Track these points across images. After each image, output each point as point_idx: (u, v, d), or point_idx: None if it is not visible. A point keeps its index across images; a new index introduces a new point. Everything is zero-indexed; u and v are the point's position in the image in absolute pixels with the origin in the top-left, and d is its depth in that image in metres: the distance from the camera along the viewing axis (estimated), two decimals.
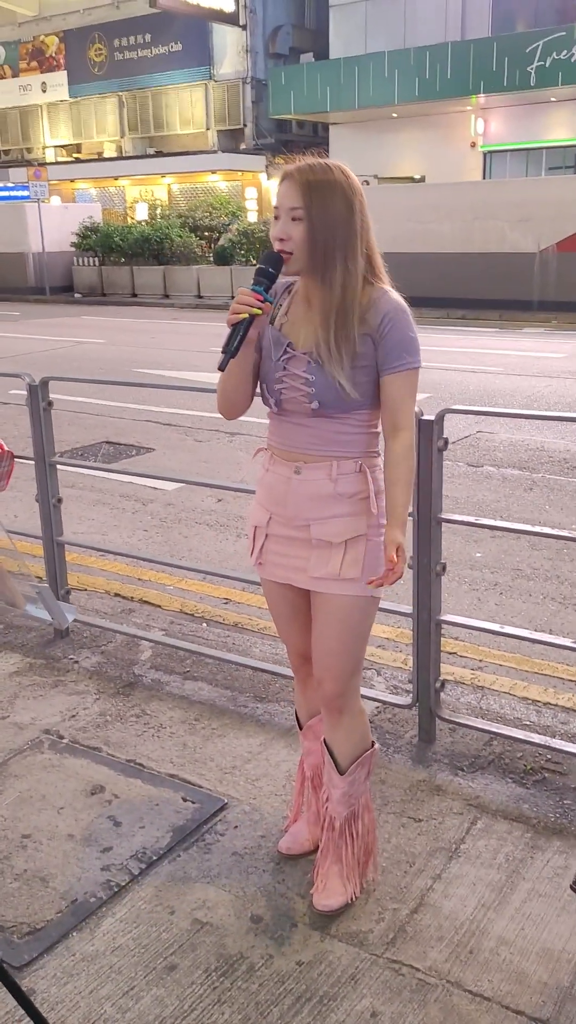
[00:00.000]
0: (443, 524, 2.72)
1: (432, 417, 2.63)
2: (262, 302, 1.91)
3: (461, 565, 4.54)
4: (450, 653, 3.49)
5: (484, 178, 21.47)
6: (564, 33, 18.19)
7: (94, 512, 5.58)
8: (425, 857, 2.37)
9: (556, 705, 3.20)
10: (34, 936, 2.12)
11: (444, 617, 2.79)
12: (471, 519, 2.81)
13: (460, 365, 10.85)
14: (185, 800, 2.60)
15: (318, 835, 2.32)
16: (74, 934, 2.13)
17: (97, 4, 27.62)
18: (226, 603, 4.15)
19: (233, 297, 1.96)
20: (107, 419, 8.02)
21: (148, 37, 27.14)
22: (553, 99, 19.64)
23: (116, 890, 2.26)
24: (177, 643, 3.50)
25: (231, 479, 5.85)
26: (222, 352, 1.93)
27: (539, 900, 2.22)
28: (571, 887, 1.99)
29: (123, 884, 2.28)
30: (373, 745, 2.23)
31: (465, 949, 2.08)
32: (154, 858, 2.37)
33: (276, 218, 1.94)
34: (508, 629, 2.80)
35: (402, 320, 1.96)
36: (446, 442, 2.66)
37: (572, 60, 18.23)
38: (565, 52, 18.18)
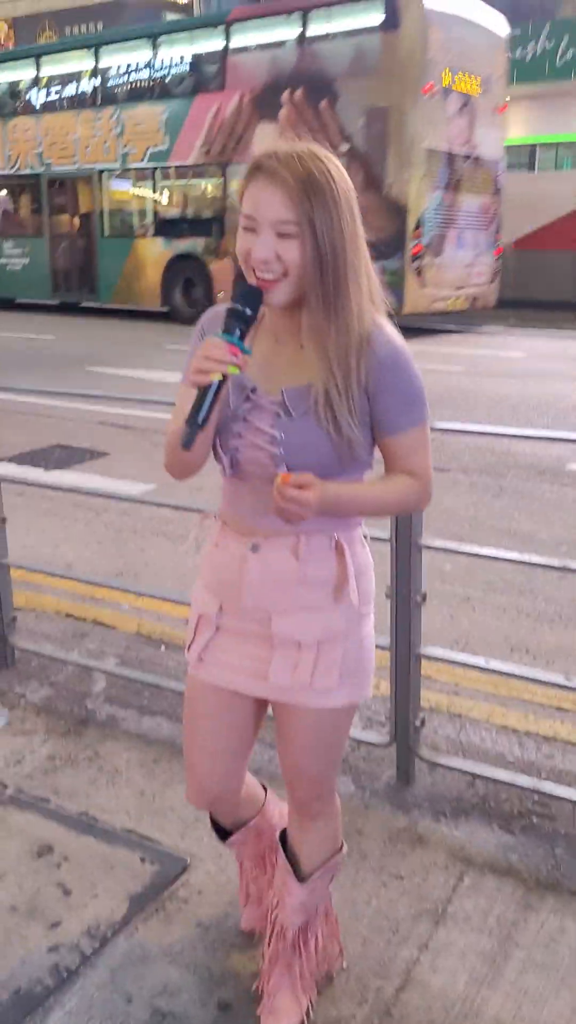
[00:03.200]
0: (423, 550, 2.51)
1: None
2: (239, 355, 1.46)
3: (431, 578, 4.31)
4: (425, 677, 3.28)
5: None
6: (519, 32, 18.13)
7: (44, 522, 5.28)
8: (409, 922, 2.15)
9: (536, 734, 3.01)
10: None
11: (425, 651, 2.58)
12: (453, 545, 2.60)
13: (420, 364, 10.67)
14: (143, 861, 2.35)
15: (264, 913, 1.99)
16: None
17: None
18: (186, 623, 3.89)
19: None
20: (58, 421, 7.68)
21: (100, 25, 26.59)
22: (508, 98, 19.60)
23: (66, 976, 2.00)
24: (133, 674, 3.24)
25: (190, 485, 5.57)
26: (186, 423, 1.46)
27: (536, 972, 2.01)
28: None
29: (73, 968, 2.02)
30: (341, 848, 1.90)
31: None
32: (109, 933, 2.12)
33: (249, 230, 1.48)
34: (495, 664, 2.60)
35: (406, 368, 1.57)
36: None
37: (526, 60, 18.18)
38: (519, 51, 18.10)
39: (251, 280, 1.51)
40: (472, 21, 13.18)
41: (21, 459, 6.54)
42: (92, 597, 4.18)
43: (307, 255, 1.46)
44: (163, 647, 3.66)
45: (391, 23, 12.29)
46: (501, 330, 14.16)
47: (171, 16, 25.06)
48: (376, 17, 12.42)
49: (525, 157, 20.58)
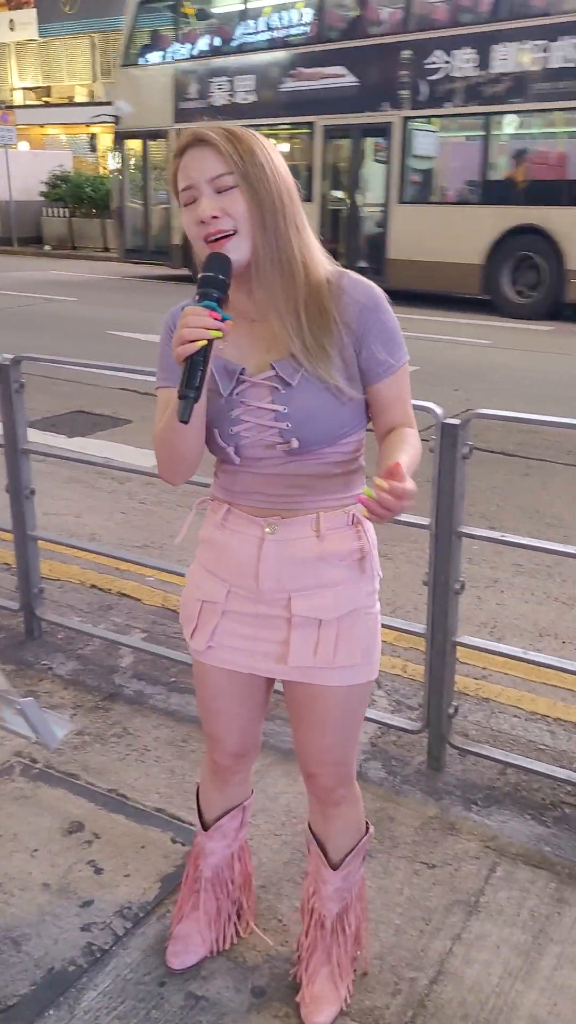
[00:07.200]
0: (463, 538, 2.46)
1: (457, 421, 2.36)
2: (221, 321, 1.41)
3: None
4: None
5: None
6: None
7: (67, 491, 5.26)
8: (442, 913, 2.15)
9: (568, 722, 2.99)
10: (5, 1015, 1.86)
11: (461, 639, 2.54)
12: (496, 535, 2.56)
13: (450, 336, 10.56)
14: (174, 841, 2.34)
15: (217, 935, 1.99)
16: (51, 1012, 1.87)
17: None
18: None
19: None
20: (80, 385, 7.64)
21: None
22: None
23: (99, 956, 2.00)
24: (160, 650, 3.22)
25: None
26: (180, 398, 1.41)
27: (570, 967, 2.00)
28: None
29: (106, 948, 2.02)
30: (368, 829, 1.89)
31: None
32: (141, 915, 2.12)
33: (191, 201, 1.46)
34: (532, 655, 2.56)
35: (385, 305, 1.54)
36: (471, 449, 2.39)
37: None
38: None
39: (208, 248, 1.47)
40: None
41: (43, 424, 6.50)
42: (117, 568, 4.16)
43: (251, 205, 1.45)
44: None
45: None
46: None
47: None
48: None
49: None
